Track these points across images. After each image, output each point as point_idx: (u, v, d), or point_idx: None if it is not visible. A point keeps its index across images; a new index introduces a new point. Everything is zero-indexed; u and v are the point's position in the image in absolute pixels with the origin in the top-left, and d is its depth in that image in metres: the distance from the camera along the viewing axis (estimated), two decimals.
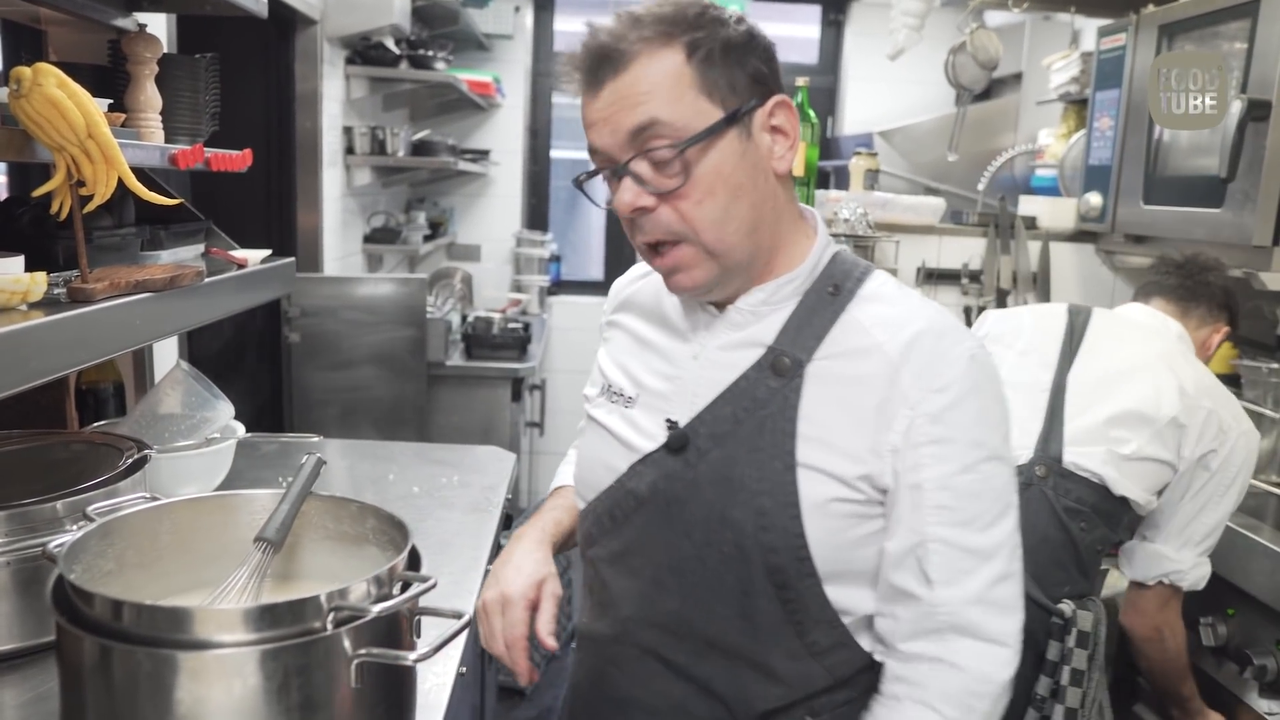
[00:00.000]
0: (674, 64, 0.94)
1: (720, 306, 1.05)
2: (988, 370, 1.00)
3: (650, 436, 1.05)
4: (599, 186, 1.05)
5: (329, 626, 0.83)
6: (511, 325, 3.90)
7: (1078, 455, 1.75)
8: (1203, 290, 1.98)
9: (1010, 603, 1.00)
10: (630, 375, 1.11)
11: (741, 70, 0.97)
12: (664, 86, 0.94)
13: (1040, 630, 1.69)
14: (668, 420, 1.04)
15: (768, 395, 1.00)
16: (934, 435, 0.96)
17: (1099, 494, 1.75)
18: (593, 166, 1.01)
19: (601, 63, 0.95)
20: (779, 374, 1.00)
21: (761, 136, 0.98)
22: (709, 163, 0.95)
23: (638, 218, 0.98)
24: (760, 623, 1.01)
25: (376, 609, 0.84)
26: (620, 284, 1.21)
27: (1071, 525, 1.74)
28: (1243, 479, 1.81)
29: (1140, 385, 1.77)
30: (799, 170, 2.87)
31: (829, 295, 1.02)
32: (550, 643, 1.04)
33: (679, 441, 1.02)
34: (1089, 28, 3.45)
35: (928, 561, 0.97)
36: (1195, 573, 1.82)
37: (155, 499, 1.08)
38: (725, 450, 1.00)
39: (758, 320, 1.03)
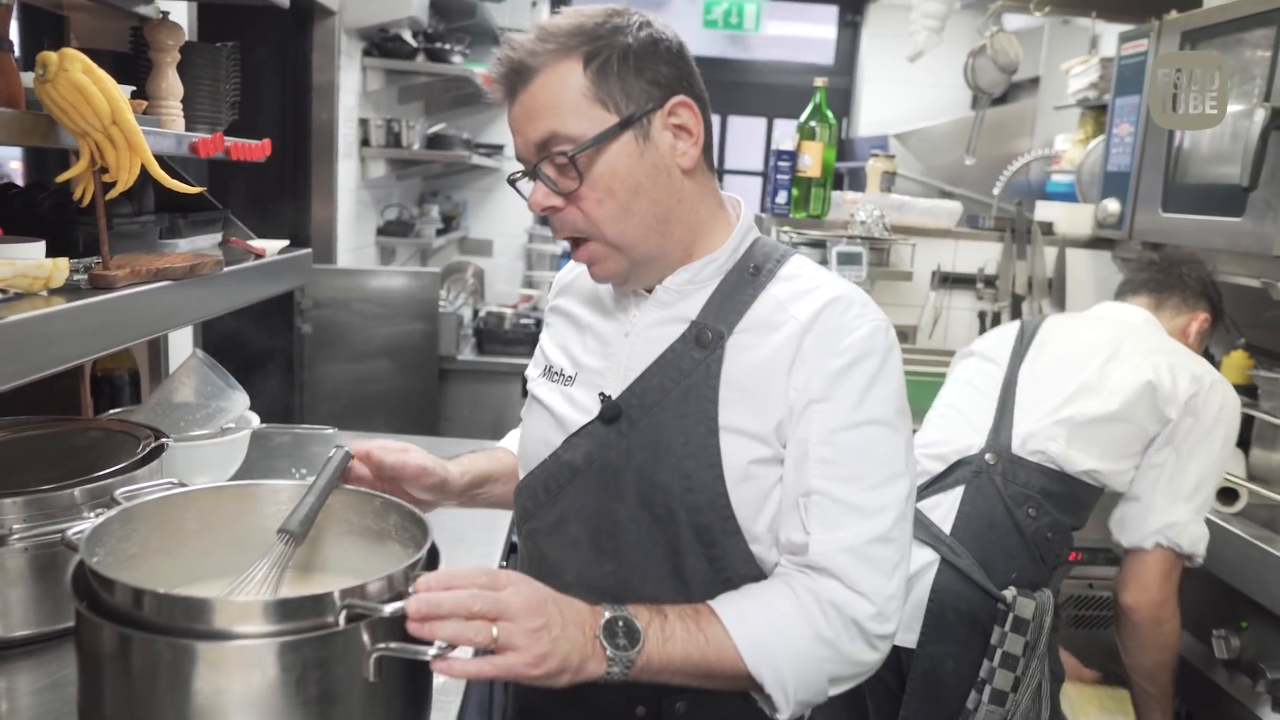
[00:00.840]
0: (570, 76, 1.01)
1: (649, 288, 1.12)
2: (887, 343, 1.05)
3: (586, 411, 1.11)
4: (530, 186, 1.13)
5: (341, 622, 0.83)
6: (523, 321, 3.90)
7: (1027, 440, 1.79)
8: (1175, 281, 2.00)
9: (886, 565, 1.01)
10: (570, 355, 1.17)
11: (639, 77, 1.02)
12: (561, 98, 1.01)
13: (986, 616, 1.72)
14: (601, 394, 1.10)
15: (692, 365, 1.06)
16: (824, 393, 1.02)
17: (1050, 477, 1.78)
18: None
19: (512, 76, 1.04)
20: (702, 346, 1.06)
21: (662, 136, 1.04)
22: (603, 166, 1.02)
23: (550, 216, 1.07)
24: (691, 580, 1.06)
25: (389, 609, 0.84)
26: (562, 273, 1.28)
27: (1018, 512, 1.76)
28: (1225, 429, 1.81)
29: (1094, 360, 1.83)
30: (815, 171, 2.86)
31: (750, 275, 1.10)
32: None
33: (612, 412, 1.08)
34: (1108, 33, 3.43)
35: (809, 513, 1.01)
36: (1191, 531, 1.77)
37: (182, 485, 1.08)
38: (654, 418, 1.06)
39: (683, 299, 1.10)
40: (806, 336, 1.04)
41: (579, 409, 1.12)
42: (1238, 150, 2.09)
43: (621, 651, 0.92)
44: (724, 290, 1.09)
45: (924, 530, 1.77)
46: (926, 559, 1.76)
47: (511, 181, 1.11)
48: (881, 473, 1.02)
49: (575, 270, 1.24)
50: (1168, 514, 1.78)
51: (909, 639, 1.74)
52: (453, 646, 0.86)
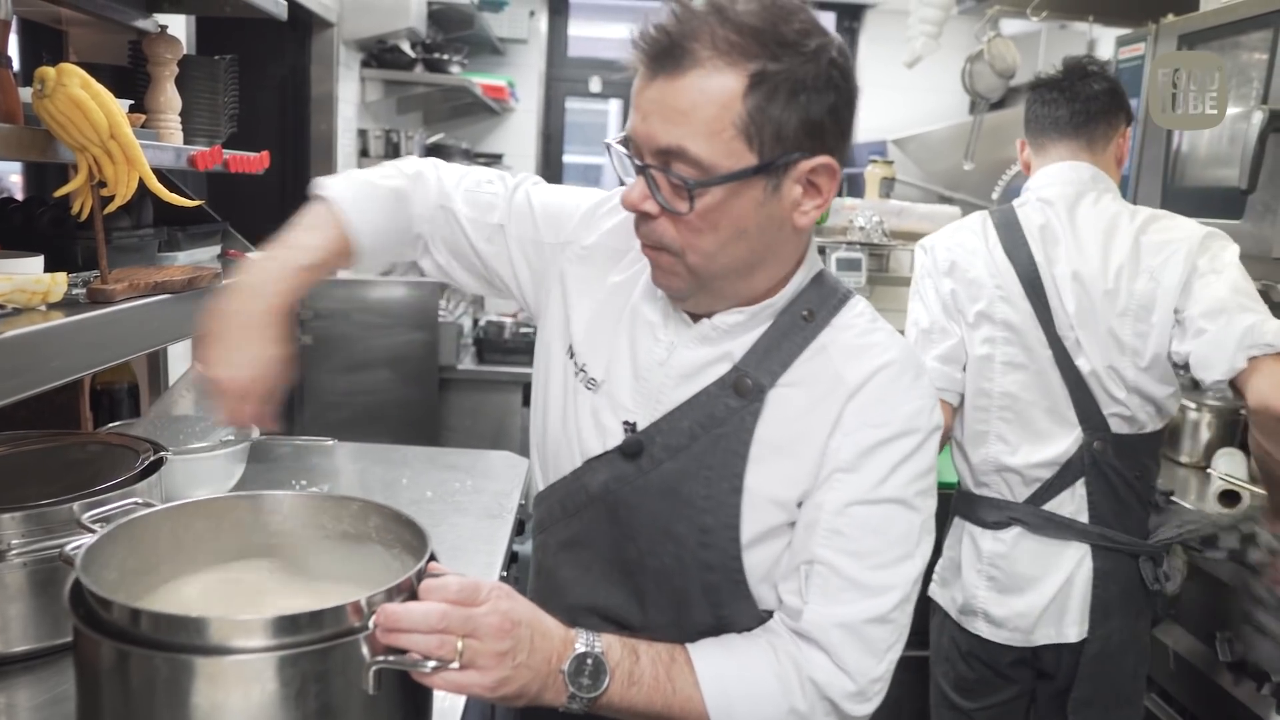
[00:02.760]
0: (728, 93, 0.88)
1: (695, 317, 1.04)
2: (930, 424, 0.99)
3: (610, 433, 1.05)
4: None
5: (371, 624, 0.83)
6: (523, 330, 3.90)
7: (1122, 413, 1.77)
8: (1095, 106, 1.85)
9: (879, 646, 0.96)
10: (600, 354, 1.08)
11: (798, 115, 0.90)
12: (708, 115, 0.88)
13: (1138, 583, 1.80)
14: (625, 422, 1.04)
15: (726, 414, 0.99)
16: (851, 464, 0.97)
17: (1150, 437, 1.80)
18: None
19: (663, 55, 0.89)
20: (740, 394, 0.99)
21: (791, 189, 0.93)
22: (721, 204, 0.92)
23: (640, 218, 0.97)
24: (691, 631, 1.02)
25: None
26: (618, 218, 1.12)
27: (1137, 483, 1.79)
28: (1220, 243, 1.75)
29: (1119, 291, 1.74)
30: None
31: (802, 320, 1.01)
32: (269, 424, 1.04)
33: (634, 448, 1.02)
34: (1105, 37, 3.44)
35: (809, 581, 0.97)
36: (1270, 326, 1.63)
37: (149, 504, 1.07)
38: (678, 464, 1.00)
39: (730, 339, 1.02)
40: (851, 402, 0.97)
41: (603, 429, 1.05)
42: (1236, 153, 2.10)
43: (583, 691, 0.91)
44: (773, 335, 1.01)
45: (1066, 529, 1.79)
46: (1076, 555, 1.79)
47: (612, 150, 0.98)
48: (892, 553, 0.97)
49: (619, 238, 1.12)
50: (1239, 324, 1.63)
51: (1079, 632, 1.79)
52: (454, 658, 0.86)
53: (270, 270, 1.05)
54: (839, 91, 0.92)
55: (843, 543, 0.96)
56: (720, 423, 0.99)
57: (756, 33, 0.88)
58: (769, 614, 1.02)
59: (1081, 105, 1.86)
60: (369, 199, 1.11)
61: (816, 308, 1.02)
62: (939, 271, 1.87)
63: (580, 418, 1.08)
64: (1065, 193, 1.84)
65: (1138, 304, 1.73)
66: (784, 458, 0.99)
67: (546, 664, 0.90)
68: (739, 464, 0.98)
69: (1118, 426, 1.77)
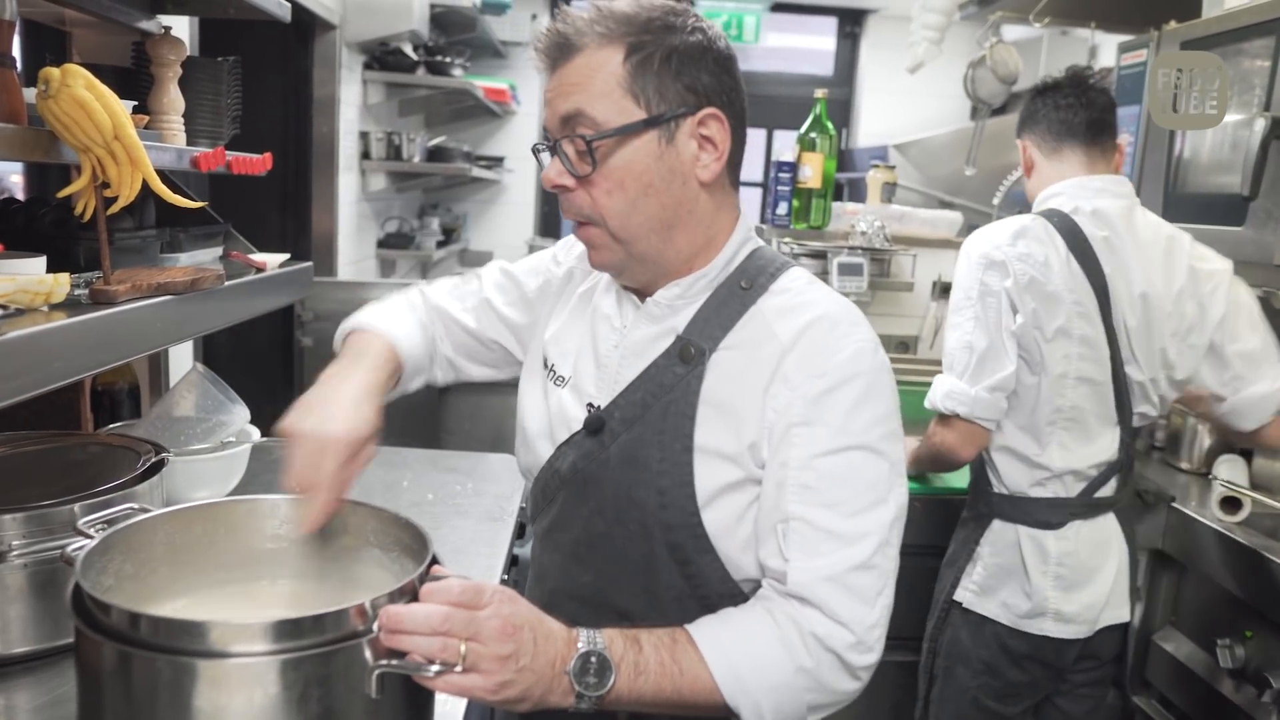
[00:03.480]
0: (611, 62, 1.01)
1: (642, 299, 1.11)
2: (874, 365, 1.03)
3: (576, 419, 1.12)
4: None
5: (375, 628, 0.83)
6: None
7: (1146, 411, 1.87)
8: (1107, 117, 1.91)
9: (867, 593, 0.98)
10: (567, 355, 1.17)
11: (677, 79, 1.02)
12: (595, 81, 1.01)
13: None
14: (589, 405, 1.10)
15: (673, 381, 1.06)
16: (805, 417, 1.00)
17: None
18: None
19: (555, 50, 1.04)
20: (685, 361, 1.06)
21: (687, 144, 1.03)
22: (620, 158, 1.02)
23: (560, 194, 1.06)
24: (665, 595, 1.06)
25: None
26: (577, 252, 1.26)
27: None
28: (1236, 288, 1.90)
29: (1165, 307, 1.83)
30: (816, 182, 2.87)
31: (740, 289, 1.08)
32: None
33: (595, 424, 1.08)
34: (1107, 43, 3.44)
35: (787, 539, 0.99)
36: None
37: (145, 510, 1.06)
38: (634, 433, 1.06)
39: (673, 313, 1.09)
40: (788, 356, 1.02)
41: (570, 417, 1.13)
42: (1238, 160, 2.10)
43: (590, 690, 0.92)
44: (712, 304, 1.08)
45: (1108, 506, 1.86)
46: (1115, 532, 1.87)
47: (535, 151, 1.12)
48: (863, 499, 1.00)
49: (577, 264, 1.25)
50: (1270, 385, 1.89)
51: (1125, 611, 1.88)
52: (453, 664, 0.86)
53: (368, 361, 1.15)
54: (714, 56, 1.04)
55: (812, 495, 0.99)
56: (669, 389, 1.06)
57: (629, 18, 1.03)
58: (744, 582, 1.06)
59: (1098, 114, 1.89)
60: (396, 318, 1.25)
61: (754, 277, 1.09)
62: (1019, 288, 1.76)
63: (551, 411, 1.15)
64: (1118, 206, 1.86)
65: (1186, 325, 1.84)
66: (727, 414, 1.03)
67: (550, 667, 0.91)
68: (688, 425, 1.04)
69: (1136, 422, 1.88)
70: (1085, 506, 1.85)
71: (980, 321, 1.80)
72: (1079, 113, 1.89)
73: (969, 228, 3.32)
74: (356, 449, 1.03)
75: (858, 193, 3.80)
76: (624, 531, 1.07)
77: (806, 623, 0.97)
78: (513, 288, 1.29)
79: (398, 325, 1.23)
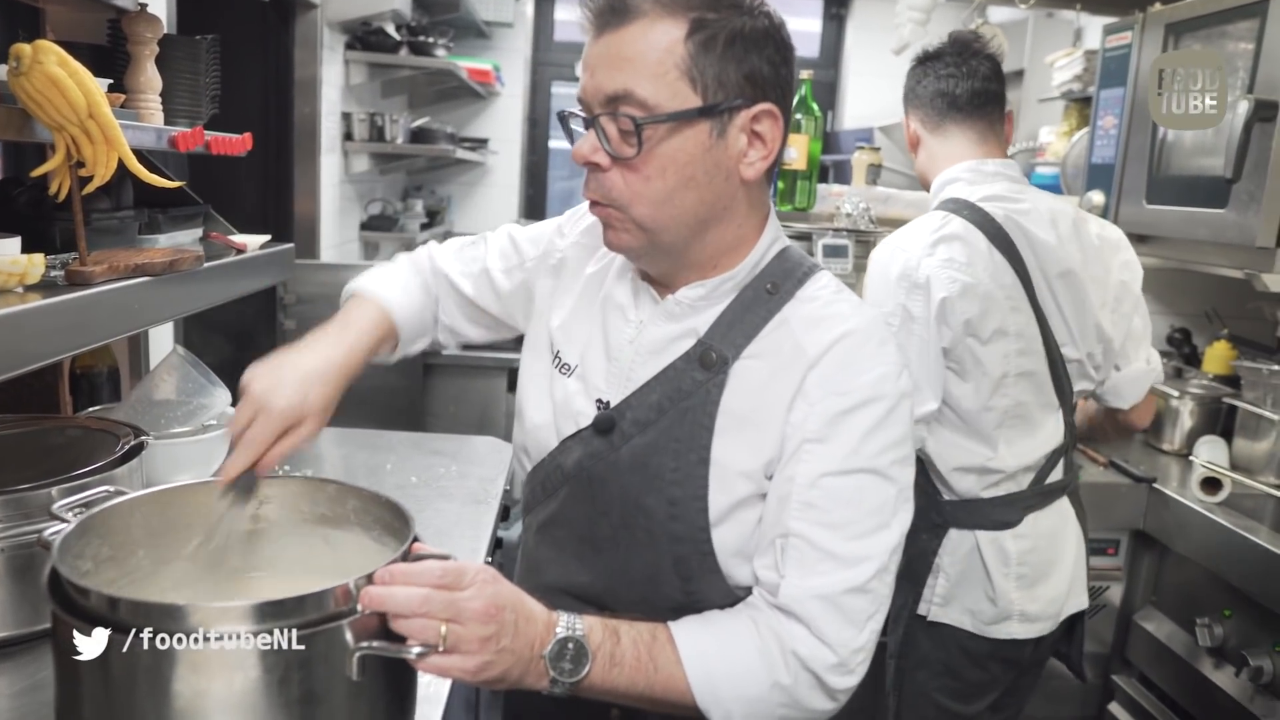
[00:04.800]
0: (670, 38, 0.93)
1: (661, 293, 1.06)
2: (897, 390, 0.99)
3: (583, 413, 1.07)
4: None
5: (356, 610, 0.83)
6: None
7: (1085, 387, 1.84)
8: (991, 87, 1.80)
9: (858, 616, 0.96)
10: (575, 343, 1.12)
11: (738, 66, 0.95)
12: (651, 59, 0.93)
13: None
14: (598, 400, 1.06)
15: (692, 387, 1.01)
16: (820, 434, 0.97)
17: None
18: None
19: (608, 11, 0.95)
20: (705, 367, 1.01)
21: (737, 137, 0.97)
22: (667, 145, 0.95)
23: (591, 171, 0.99)
24: (661, 606, 1.03)
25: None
26: (587, 224, 1.19)
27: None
28: (1111, 251, 1.85)
29: (1089, 281, 1.79)
30: (801, 164, 2.86)
31: (766, 293, 1.03)
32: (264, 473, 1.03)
33: (605, 424, 1.04)
34: (1092, 25, 3.44)
35: (785, 555, 0.97)
36: (1158, 360, 1.92)
37: (121, 492, 1.06)
38: (647, 438, 1.02)
39: (695, 313, 1.04)
40: (812, 371, 0.98)
41: (577, 409, 1.08)
42: (1221, 142, 2.10)
43: (564, 676, 0.91)
44: (736, 309, 1.03)
45: (1058, 491, 1.81)
46: (1069, 515, 1.83)
47: (563, 117, 1.03)
48: (867, 523, 0.97)
49: (589, 239, 1.18)
50: (1153, 364, 1.89)
51: (1084, 599, 1.84)
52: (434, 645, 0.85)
53: (343, 337, 1.15)
54: (776, 45, 0.97)
55: (816, 515, 0.96)
56: (687, 395, 1.01)
57: None
58: (742, 590, 1.03)
59: (980, 85, 1.79)
60: (395, 283, 1.25)
61: (780, 281, 1.04)
62: (951, 300, 1.65)
63: (556, 401, 1.11)
64: (1010, 189, 1.78)
65: (1113, 295, 1.81)
66: (748, 428, 1.00)
67: (529, 648, 0.90)
68: (706, 436, 1.00)
69: (1076, 399, 1.84)
70: (1038, 495, 1.78)
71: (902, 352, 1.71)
72: (960, 83, 1.78)
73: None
74: (293, 424, 1.03)
75: (843, 175, 3.80)
76: (630, 538, 1.03)
77: (790, 639, 0.96)
78: (513, 254, 1.25)
79: (397, 291, 1.24)
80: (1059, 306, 1.75)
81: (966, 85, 1.78)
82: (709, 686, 0.95)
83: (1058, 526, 1.80)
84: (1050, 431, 1.77)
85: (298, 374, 1.05)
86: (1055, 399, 1.78)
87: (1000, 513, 1.76)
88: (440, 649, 0.84)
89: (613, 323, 1.09)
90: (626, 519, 1.03)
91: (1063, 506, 1.82)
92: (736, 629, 0.99)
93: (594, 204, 1.02)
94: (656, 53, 0.93)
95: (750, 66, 0.95)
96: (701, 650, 0.97)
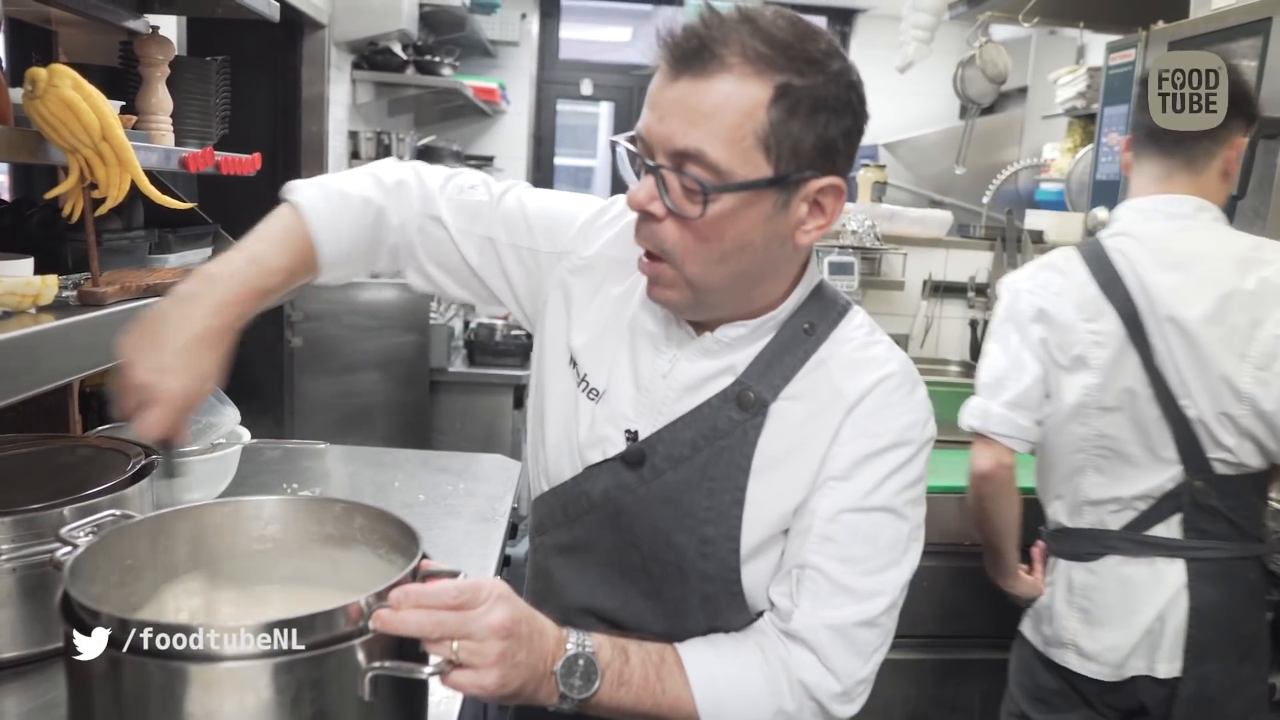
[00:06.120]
0: (753, 102, 0.87)
1: (698, 329, 1.04)
2: (924, 437, 1.01)
3: (610, 441, 1.05)
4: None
5: (368, 630, 0.83)
6: (514, 332, 3.89)
7: (1226, 456, 1.67)
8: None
9: (865, 648, 0.98)
10: (602, 365, 1.07)
11: (815, 136, 0.90)
12: (730, 120, 0.88)
13: (1246, 624, 1.72)
14: (627, 431, 1.04)
15: (729, 427, 1.00)
16: (845, 473, 0.98)
17: (1259, 478, 1.71)
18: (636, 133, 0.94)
19: (691, 55, 0.88)
20: (743, 408, 1.00)
21: (799, 207, 0.93)
22: (729, 210, 0.91)
23: (642, 217, 0.95)
24: (684, 636, 1.02)
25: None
26: (620, 226, 1.10)
27: (1243, 522, 1.70)
28: None
29: (1220, 332, 1.64)
30: None
31: (803, 333, 1.02)
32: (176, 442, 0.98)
33: (636, 456, 1.02)
34: (1095, 43, 3.46)
35: (800, 586, 0.98)
36: None
37: (128, 516, 1.06)
38: (680, 474, 1.01)
39: (733, 352, 1.02)
40: (849, 417, 0.99)
41: (603, 436, 1.05)
42: None
43: (574, 693, 0.92)
44: (774, 348, 1.02)
45: (1161, 548, 1.71)
46: (1173, 586, 1.70)
47: (618, 149, 0.97)
48: (881, 559, 0.99)
49: (617, 248, 1.11)
50: None
51: (1170, 669, 1.71)
52: (449, 666, 0.85)
53: (229, 285, 1.00)
54: (855, 115, 0.93)
55: (834, 549, 0.98)
56: (724, 435, 1.00)
57: (786, 46, 0.88)
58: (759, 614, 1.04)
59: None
60: (341, 210, 1.08)
61: (817, 320, 1.03)
62: (1026, 319, 1.74)
63: (581, 426, 1.08)
64: (1165, 229, 1.72)
65: (1259, 350, 1.63)
66: (784, 470, 1.00)
67: (543, 662, 0.90)
68: (742, 477, 0.99)
69: (1222, 469, 1.69)
70: (1131, 543, 1.72)
71: (1002, 345, 1.78)
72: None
73: (959, 227, 3.34)
74: (198, 400, 0.97)
75: (849, 192, 3.81)
76: (660, 571, 1.03)
77: (796, 667, 0.97)
78: (524, 233, 1.13)
79: (333, 219, 1.07)
80: (1171, 354, 1.66)
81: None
82: (716, 710, 0.96)
83: (1146, 582, 1.72)
84: (1154, 482, 1.70)
85: (188, 343, 0.95)
86: (1172, 453, 1.68)
87: (1079, 544, 1.78)
88: (455, 664, 0.85)
89: (642, 351, 1.06)
90: (656, 553, 1.03)
91: (1165, 569, 1.72)
92: (744, 655, 0.99)
93: (646, 256, 0.98)
94: (737, 115, 0.87)
95: (827, 138, 0.91)
96: (709, 674, 0.97)
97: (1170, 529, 1.71)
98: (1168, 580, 1.71)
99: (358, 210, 1.09)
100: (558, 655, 0.92)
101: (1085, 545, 1.77)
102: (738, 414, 1.00)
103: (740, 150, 0.88)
